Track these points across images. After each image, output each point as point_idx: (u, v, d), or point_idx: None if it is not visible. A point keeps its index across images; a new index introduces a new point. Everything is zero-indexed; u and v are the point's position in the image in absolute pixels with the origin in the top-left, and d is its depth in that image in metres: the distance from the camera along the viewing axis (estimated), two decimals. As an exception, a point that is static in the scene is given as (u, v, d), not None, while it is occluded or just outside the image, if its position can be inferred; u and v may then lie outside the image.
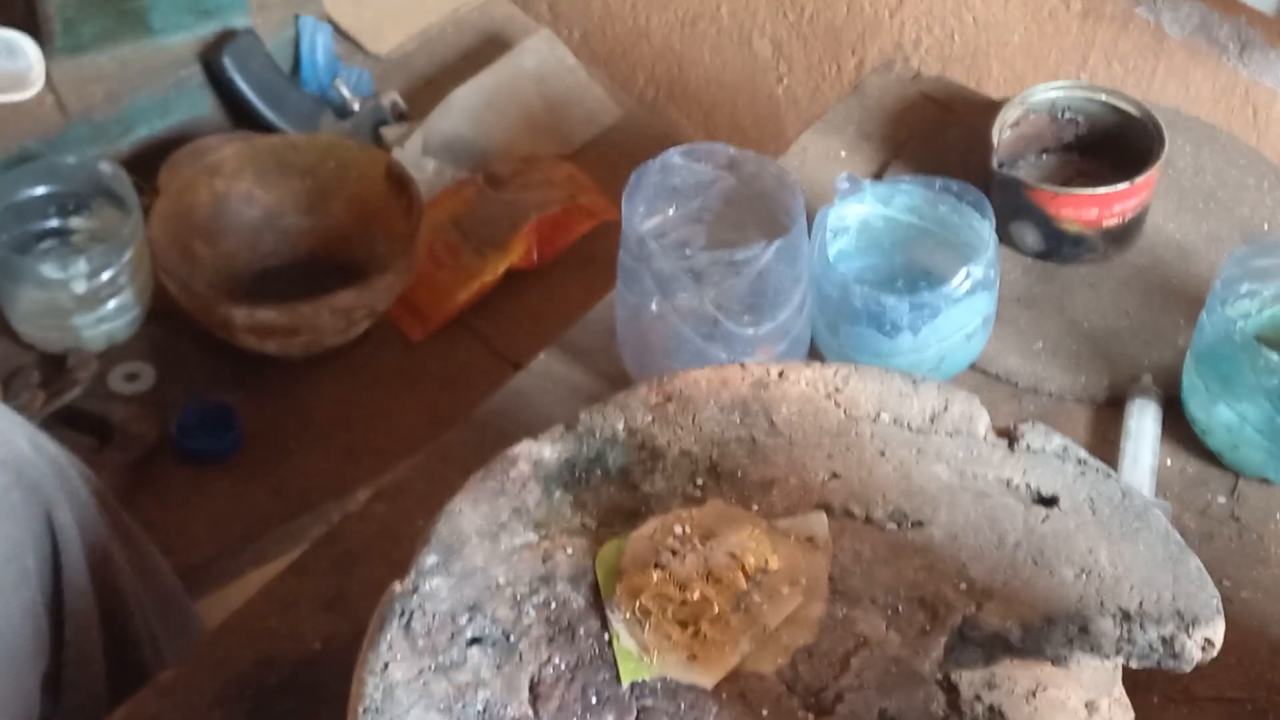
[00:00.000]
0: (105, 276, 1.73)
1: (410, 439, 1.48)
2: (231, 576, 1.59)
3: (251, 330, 1.70)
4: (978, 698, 1.02)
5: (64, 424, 1.59)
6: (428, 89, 2.15)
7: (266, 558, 1.55)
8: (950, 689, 1.02)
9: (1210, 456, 1.30)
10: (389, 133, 2.08)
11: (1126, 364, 1.36)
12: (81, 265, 1.72)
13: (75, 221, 1.82)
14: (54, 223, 1.81)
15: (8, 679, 1.16)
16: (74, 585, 1.22)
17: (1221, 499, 1.28)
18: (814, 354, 1.35)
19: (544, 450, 1.05)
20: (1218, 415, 1.27)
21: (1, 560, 1.16)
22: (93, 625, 1.25)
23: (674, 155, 1.31)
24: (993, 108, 1.50)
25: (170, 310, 1.78)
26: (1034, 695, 1.02)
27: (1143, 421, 1.30)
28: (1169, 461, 1.30)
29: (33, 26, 1.88)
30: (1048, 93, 1.50)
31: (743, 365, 1.10)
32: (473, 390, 1.38)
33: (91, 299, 1.74)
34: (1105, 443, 1.29)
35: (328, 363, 1.77)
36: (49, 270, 1.72)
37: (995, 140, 1.46)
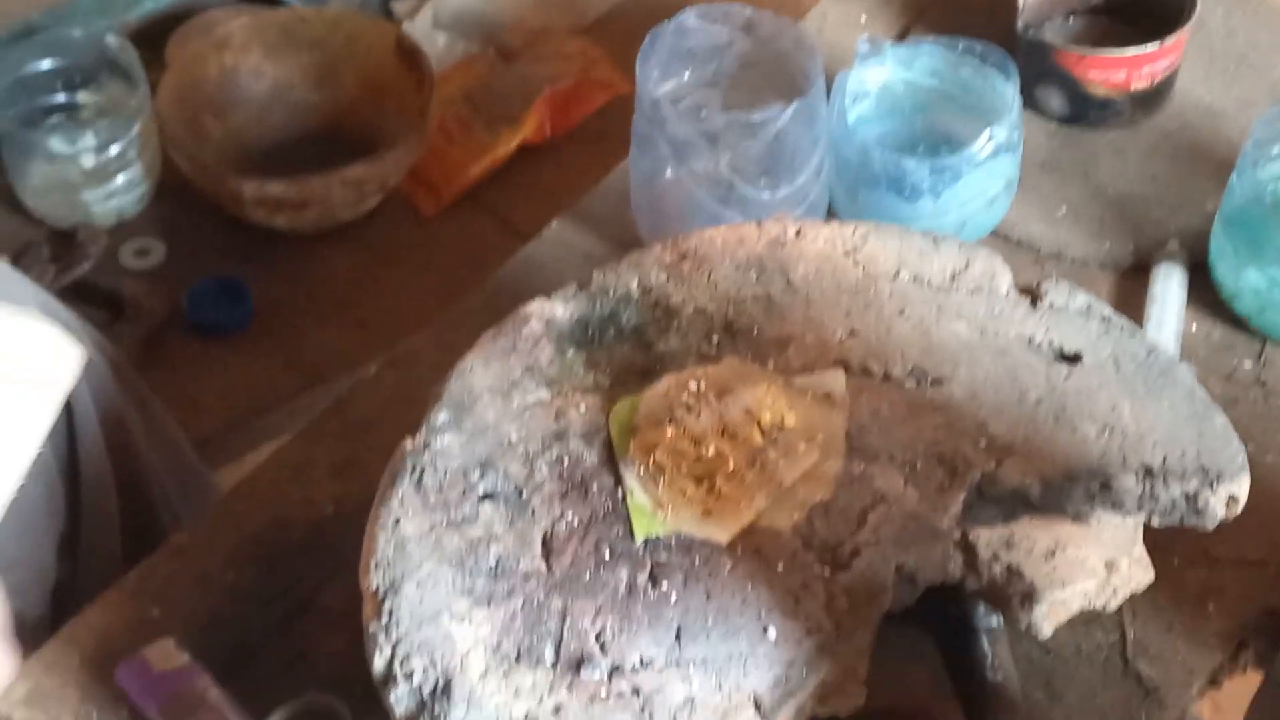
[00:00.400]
0: (114, 151, 1.72)
1: (422, 312, 1.46)
2: (244, 450, 1.59)
3: (261, 204, 1.68)
4: (995, 557, 1.02)
5: (75, 298, 1.57)
6: (439, -39, 2.12)
7: (279, 431, 1.54)
8: (968, 548, 1.02)
9: (1237, 322, 1.28)
10: (399, 6, 2.05)
11: (1152, 229, 1.34)
12: (89, 139, 1.71)
13: (82, 96, 1.80)
14: (61, 97, 1.79)
15: (23, 540, 1.16)
16: (89, 450, 1.22)
17: (1248, 364, 1.27)
18: (831, 220, 1.34)
19: (556, 309, 1.05)
20: (1246, 279, 1.25)
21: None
22: (108, 490, 1.25)
23: (689, 16, 1.29)
24: (1018, -31, 1.47)
25: (180, 185, 1.76)
26: (1053, 554, 1.02)
27: (1168, 286, 1.28)
28: (1194, 327, 1.28)
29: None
30: (1075, -47, 1.47)
31: (759, 224, 1.09)
32: (485, 264, 1.36)
33: (100, 173, 1.72)
34: (1129, 309, 1.27)
35: (339, 237, 1.76)
36: (57, 144, 1.70)
37: (1020, 2, 1.43)
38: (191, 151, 1.73)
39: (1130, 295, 1.30)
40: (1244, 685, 1.09)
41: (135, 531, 1.27)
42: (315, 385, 1.65)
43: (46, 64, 1.76)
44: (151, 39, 1.90)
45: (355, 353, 1.63)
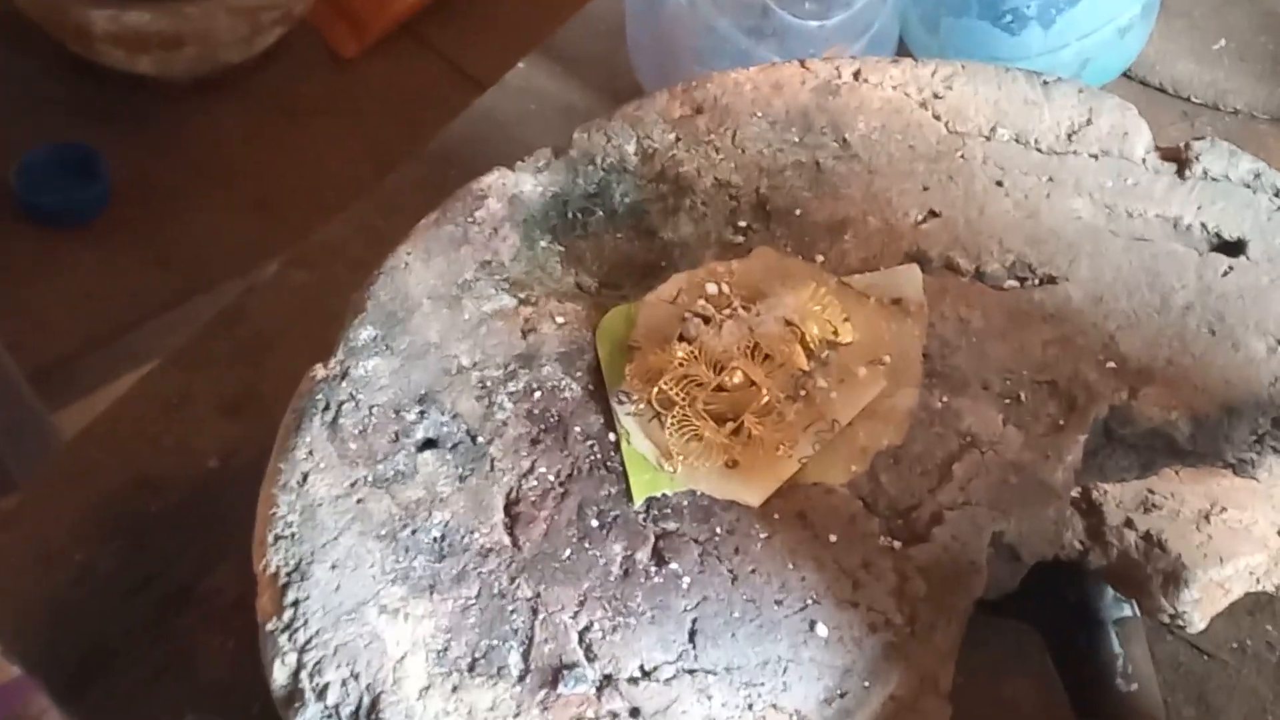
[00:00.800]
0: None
1: (343, 187, 1.44)
2: (98, 382, 1.58)
3: (119, 41, 1.67)
4: (1129, 523, 1.00)
5: None
6: None
7: (145, 356, 1.53)
8: (1091, 510, 1.01)
9: None
10: None
11: (1343, 69, 1.33)
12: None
13: None
14: None
15: None
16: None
17: None
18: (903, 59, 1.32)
19: (523, 183, 1.04)
20: None
21: None
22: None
23: None
24: None
25: (8, 17, 1.74)
26: (1207, 519, 1.01)
27: (1365, 148, 1.27)
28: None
29: None
30: None
31: (803, 63, 1.08)
32: (427, 120, 1.35)
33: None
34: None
35: (226, 87, 1.75)
36: None
37: None
38: (22, -31, 1.71)
39: (1315, 157, 1.29)
40: None
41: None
42: (195, 293, 1.64)
43: None
44: None
45: (252, 244, 1.61)
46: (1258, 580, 1.03)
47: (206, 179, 1.68)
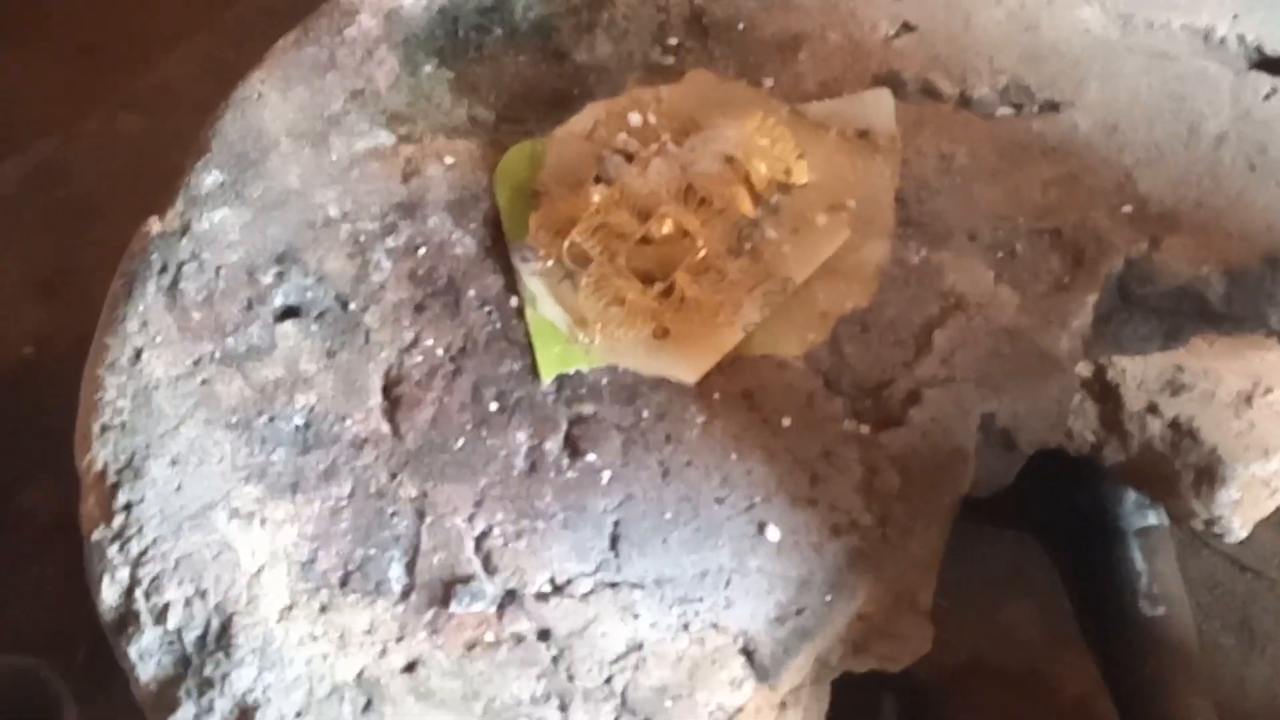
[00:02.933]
0: None
1: (181, 25, 1.43)
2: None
3: None
4: (1152, 408, 1.01)
5: None
6: None
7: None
8: (1106, 392, 1.01)
9: None
10: None
11: None
12: None
13: None
14: None
15: None
16: None
17: None
18: None
19: (403, -6, 1.04)
20: None
21: None
22: None
23: None
24: None
25: None
26: (1248, 402, 1.01)
27: None
28: None
29: None
30: None
31: None
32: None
33: None
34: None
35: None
36: None
37: None
38: None
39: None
40: None
41: None
42: (9, 154, 1.63)
43: None
44: None
45: (77, 93, 1.60)
46: (1309, 478, 1.03)
47: (18, 20, 1.67)
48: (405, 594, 0.88)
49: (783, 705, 0.88)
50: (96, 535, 0.90)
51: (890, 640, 0.90)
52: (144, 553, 0.89)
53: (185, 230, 0.97)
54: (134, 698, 0.87)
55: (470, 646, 0.87)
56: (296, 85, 1.00)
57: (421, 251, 0.97)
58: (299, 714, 0.85)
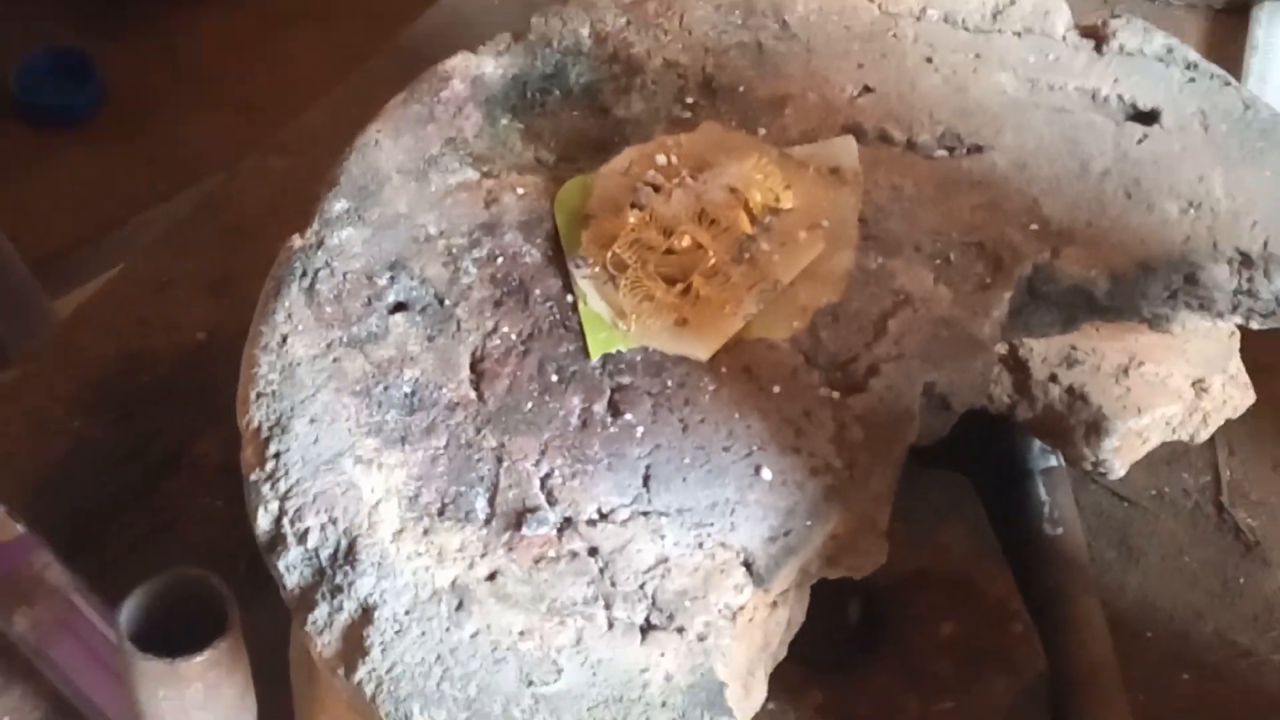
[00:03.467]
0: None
1: (319, 86, 1.43)
2: (95, 271, 1.56)
3: (108, -49, 1.64)
4: (1053, 377, 1.01)
5: None
6: None
7: (138, 246, 1.51)
8: (1017, 364, 1.01)
9: (1359, 75, 1.26)
10: None
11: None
12: None
13: None
14: None
15: None
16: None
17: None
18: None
19: (485, 65, 1.03)
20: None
21: None
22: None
23: None
24: None
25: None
26: (1126, 372, 1.01)
27: (1273, 31, 1.26)
28: (1305, 82, 1.27)
29: None
30: None
31: (746, -49, 1.07)
32: (397, 21, 1.34)
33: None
34: (1223, 58, 1.25)
35: (211, -5, 1.73)
36: None
37: None
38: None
39: (1225, 40, 1.28)
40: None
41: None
42: (185, 187, 1.62)
43: None
44: None
45: (235, 141, 1.59)
46: (1174, 430, 1.03)
47: (192, 82, 1.66)
48: (487, 521, 0.87)
49: (774, 604, 0.87)
50: (253, 477, 0.89)
51: (855, 555, 0.89)
52: (289, 490, 0.88)
53: (320, 244, 0.96)
54: (282, 601, 0.87)
55: (537, 560, 0.86)
56: (404, 134, 0.99)
57: (499, 261, 0.96)
58: (407, 612, 0.84)
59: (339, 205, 0.97)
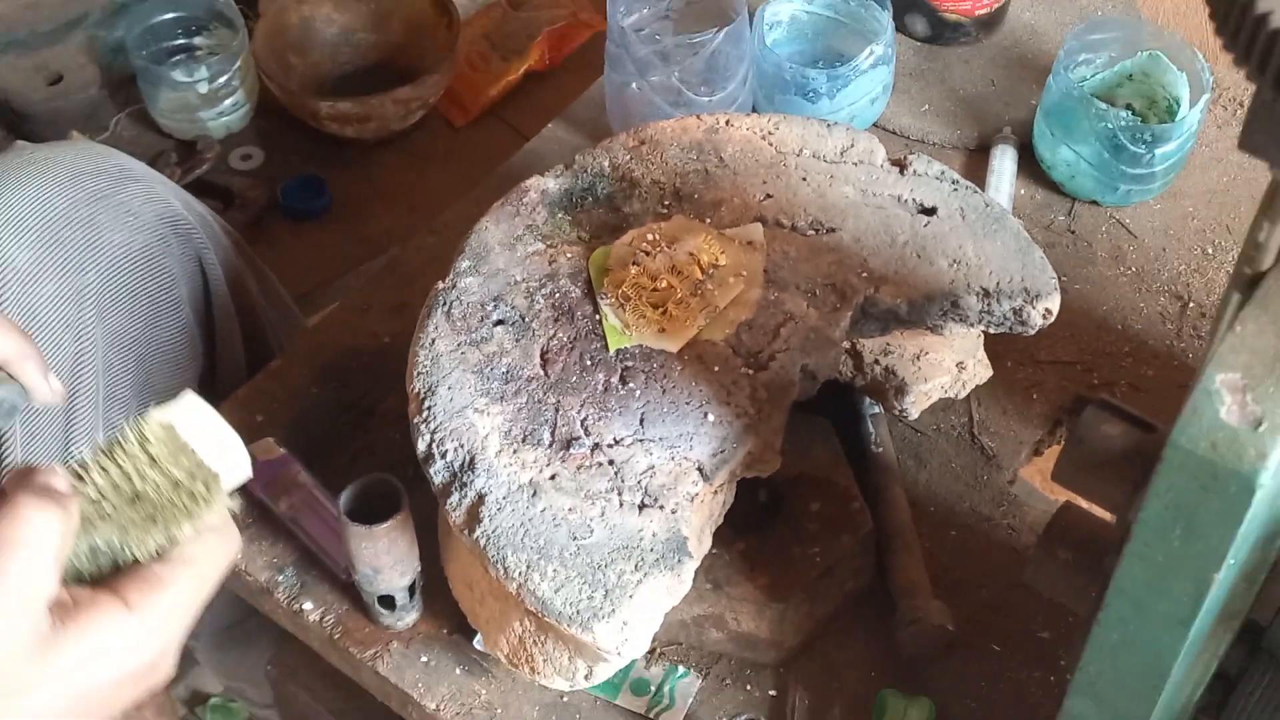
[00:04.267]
0: (222, 80, 1.66)
1: (453, 196, 1.42)
2: (327, 303, 1.55)
3: (334, 119, 1.63)
4: (876, 361, 1.00)
5: (196, 192, 1.52)
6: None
7: (351, 289, 1.50)
8: (855, 353, 1.00)
9: (1054, 186, 1.26)
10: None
11: (992, 119, 1.30)
12: (204, 72, 1.65)
13: (198, 39, 1.73)
14: (181, 40, 1.72)
15: (174, 379, 1.13)
16: (221, 309, 1.19)
17: (1061, 217, 1.24)
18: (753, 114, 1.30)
19: (549, 183, 1.02)
20: (1060, 154, 1.22)
21: (162, 291, 1.13)
22: (235, 337, 1.21)
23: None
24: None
25: (274, 106, 1.71)
26: (918, 358, 1.00)
27: (1003, 161, 1.25)
28: (1022, 191, 1.26)
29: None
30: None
31: (698, 116, 1.05)
32: (499, 159, 1.33)
33: (212, 98, 1.67)
34: (974, 177, 1.24)
35: (392, 144, 1.71)
36: (179, 76, 1.64)
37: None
38: (281, 81, 1.67)
39: (975, 168, 1.28)
40: (1059, 453, 1.08)
41: (255, 366, 1.24)
42: (377, 254, 1.61)
43: (169, 15, 1.70)
44: (248, -5, 1.83)
45: (405, 228, 1.59)
46: (945, 390, 1.02)
47: (383, 194, 1.66)
48: (550, 445, 0.87)
49: (715, 492, 0.87)
50: (415, 421, 0.88)
51: (762, 464, 0.88)
52: (436, 428, 0.87)
53: (454, 286, 0.95)
54: (432, 493, 0.87)
55: (578, 468, 0.86)
56: (502, 223, 0.98)
57: (557, 296, 0.95)
58: (504, 498, 0.84)
59: (465, 263, 0.96)
